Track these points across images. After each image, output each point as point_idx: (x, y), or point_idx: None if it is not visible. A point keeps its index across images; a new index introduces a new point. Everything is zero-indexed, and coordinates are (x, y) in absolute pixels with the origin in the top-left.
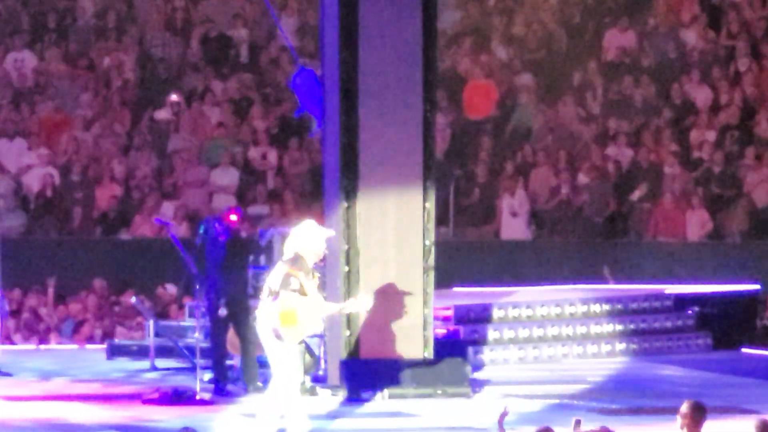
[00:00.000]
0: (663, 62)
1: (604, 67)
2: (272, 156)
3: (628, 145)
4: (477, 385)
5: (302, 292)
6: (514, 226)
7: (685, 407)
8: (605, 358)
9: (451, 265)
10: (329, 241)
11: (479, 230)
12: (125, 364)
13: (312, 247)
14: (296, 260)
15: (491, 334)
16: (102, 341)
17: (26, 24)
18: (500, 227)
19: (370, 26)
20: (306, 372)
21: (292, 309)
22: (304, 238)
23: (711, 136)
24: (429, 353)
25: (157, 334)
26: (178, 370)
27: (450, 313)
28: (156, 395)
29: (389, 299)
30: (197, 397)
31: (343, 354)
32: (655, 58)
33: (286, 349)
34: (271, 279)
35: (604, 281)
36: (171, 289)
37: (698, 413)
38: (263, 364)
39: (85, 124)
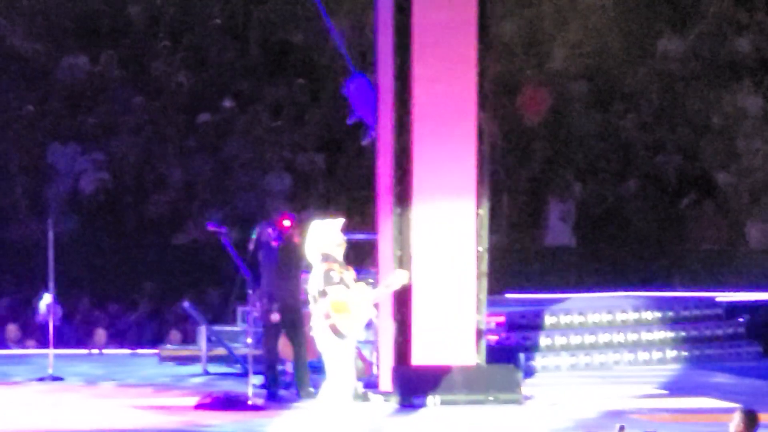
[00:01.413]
0: (714, 69)
1: (656, 73)
2: (325, 161)
3: (679, 152)
4: (528, 392)
5: (345, 284)
6: (564, 233)
7: (737, 415)
8: (656, 365)
9: (504, 271)
10: (382, 247)
11: (531, 237)
12: (176, 369)
13: (332, 241)
14: (327, 258)
15: (543, 340)
16: (153, 346)
17: (80, 28)
18: (550, 234)
19: (425, 33)
20: (357, 378)
21: (343, 300)
22: (321, 236)
23: (762, 143)
24: (481, 360)
25: (208, 339)
26: (229, 375)
27: (502, 319)
28: (208, 400)
29: (441, 305)
30: (249, 403)
31: (395, 360)
32: (707, 65)
33: (343, 349)
34: (311, 284)
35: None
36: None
37: (751, 421)
38: (315, 369)
39: (138, 129)
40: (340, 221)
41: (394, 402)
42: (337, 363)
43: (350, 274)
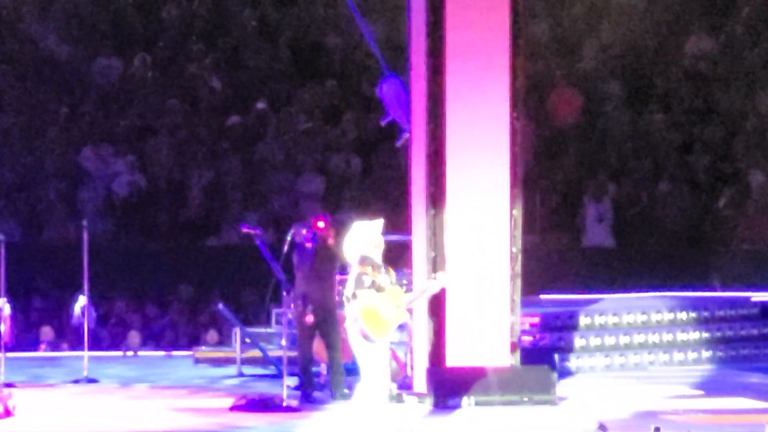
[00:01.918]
0: (748, 69)
1: (689, 74)
2: (358, 163)
3: (713, 152)
4: (563, 393)
5: (378, 288)
6: (598, 233)
7: None
8: (691, 365)
9: (538, 272)
10: (415, 248)
11: (564, 237)
12: (211, 370)
13: (370, 242)
14: (363, 260)
15: (577, 341)
16: (188, 348)
17: (113, 31)
18: (585, 234)
19: (458, 34)
20: (392, 379)
21: (372, 305)
22: (359, 238)
23: None
24: (515, 361)
25: (243, 341)
26: (263, 377)
27: (536, 320)
28: (243, 402)
29: (475, 306)
30: (284, 404)
31: (429, 361)
32: (741, 65)
33: (376, 351)
34: (347, 286)
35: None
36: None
37: None
38: (350, 371)
39: (172, 131)
40: (380, 223)
41: (428, 403)
42: (370, 365)
43: (387, 276)
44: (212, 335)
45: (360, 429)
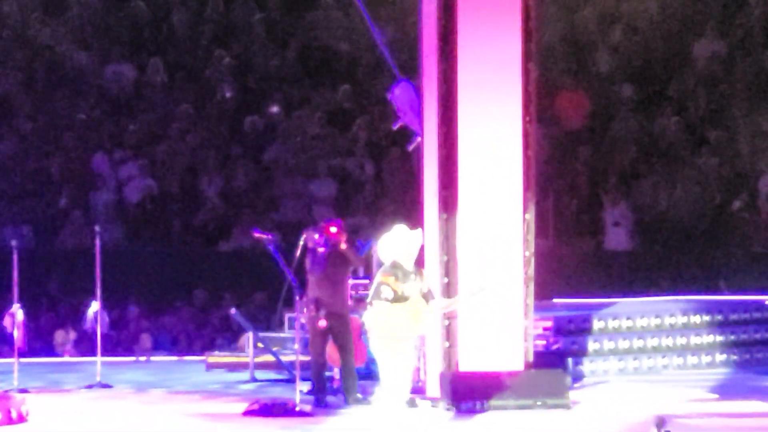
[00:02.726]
0: (760, 71)
1: (702, 76)
2: (370, 167)
3: (727, 154)
4: (577, 396)
5: (400, 298)
6: (615, 237)
7: None
8: (705, 369)
9: (551, 276)
10: (428, 252)
11: (579, 241)
12: (224, 375)
13: (404, 250)
14: (391, 267)
15: (591, 345)
16: (200, 353)
17: (125, 36)
18: (602, 238)
19: (469, 38)
20: None
21: (383, 317)
22: (395, 243)
23: None
24: (529, 365)
25: (255, 346)
26: (277, 381)
27: (550, 324)
28: (256, 407)
29: (488, 310)
30: (297, 409)
31: (442, 366)
32: (752, 67)
33: (395, 356)
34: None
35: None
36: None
37: None
38: (362, 375)
39: (184, 136)
40: (419, 233)
41: (441, 408)
42: (387, 370)
43: (417, 283)
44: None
45: None
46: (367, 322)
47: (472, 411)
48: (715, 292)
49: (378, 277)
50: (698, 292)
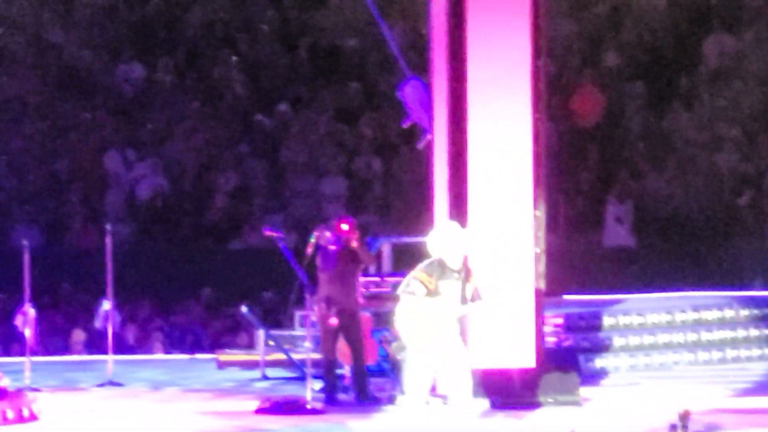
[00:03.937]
0: None
1: (711, 73)
2: (380, 165)
3: (735, 150)
4: (587, 393)
5: (433, 293)
6: (621, 234)
7: None
8: (716, 365)
9: (562, 272)
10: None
11: (587, 238)
12: (236, 374)
13: (450, 249)
14: (431, 264)
15: (602, 341)
16: (212, 351)
17: (135, 36)
18: (607, 234)
19: (479, 35)
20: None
21: (408, 311)
22: (442, 240)
23: None
24: (540, 362)
25: (266, 344)
26: (288, 379)
27: (560, 321)
28: (268, 405)
29: (499, 307)
30: (309, 407)
31: None
32: (763, 63)
33: (416, 354)
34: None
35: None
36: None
37: None
38: (374, 373)
39: (195, 134)
40: (467, 231)
41: (452, 405)
42: (410, 367)
43: (457, 282)
44: (242, 337)
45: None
46: (396, 314)
47: (482, 408)
48: (722, 288)
49: (415, 270)
50: (707, 288)
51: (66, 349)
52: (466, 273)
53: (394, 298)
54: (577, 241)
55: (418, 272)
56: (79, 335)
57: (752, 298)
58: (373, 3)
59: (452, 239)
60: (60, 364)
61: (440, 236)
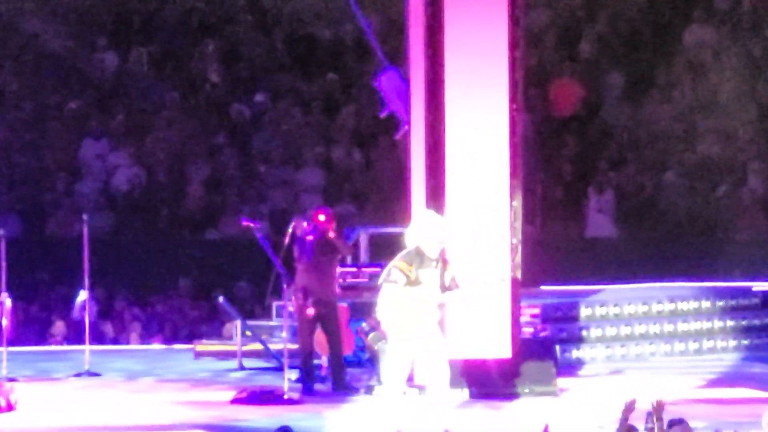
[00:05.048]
0: (749, 59)
1: (690, 64)
2: (358, 155)
3: (713, 142)
4: (564, 384)
5: (413, 282)
6: (600, 224)
7: None
8: (692, 356)
9: (540, 263)
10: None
11: (566, 228)
12: (212, 364)
13: (429, 238)
14: (410, 253)
15: (579, 332)
16: (188, 341)
17: (112, 25)
18: (587, 225)
19: (456, 25)
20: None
21: (390, 299)
22: (420, 229)
23: None
24: (516, 352)
25: (243, 335)
26: (265, 369)
27: (537, 311)
28: (244, 395)
29: (476, 298)
30: (285, 397)
31: None
32: (741, 54)
33: (396, 343)
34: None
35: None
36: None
37: None
38: (350, 363)
39: (171, 124)
40: (446, 221)
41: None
42: (390, 357)
43: (436, 271)
44: (228, 328)
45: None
46: (378, 304)
47: (458, 398)
48: (700, 279)
49: (394, 260)
50: (685, 279)
51: (43, 339)
52: (443, 262)
53: (376, 288)
54: (557, 232)
55: (397, 261)
56: (59, 327)
57: (728, 289)
58: None
59: (430, 228)
60: (37, 354)
61: (418, 225)
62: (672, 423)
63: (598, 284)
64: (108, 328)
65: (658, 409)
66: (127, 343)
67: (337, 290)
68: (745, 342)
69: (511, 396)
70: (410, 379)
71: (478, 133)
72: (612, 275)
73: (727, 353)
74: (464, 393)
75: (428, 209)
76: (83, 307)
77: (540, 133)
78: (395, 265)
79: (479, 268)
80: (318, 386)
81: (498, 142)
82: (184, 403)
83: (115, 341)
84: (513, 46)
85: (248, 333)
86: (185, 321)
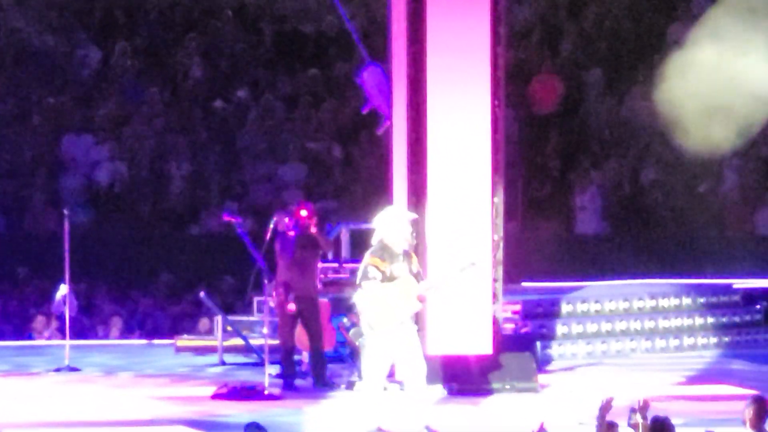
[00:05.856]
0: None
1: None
2: (339, 151)
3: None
4: (545, 380)
5: (388, 278)
6: (583, 221)
7: (748, 402)
8: (673, 352)
9: (521, 259)
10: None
11: (548, 225)
12: (192, 359)
13: (395, 233)
14: (378, 248)
15: (559, 328)
16: (169, 336)
17: (94, 19)
18: (571, 222)
19: (439, 21)
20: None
21: (374, 295)
22: (386, 225)
23: None
24: (497, 348)
25: (224, 330)
26: (245, 365)
27: (518, 308)
28: (225, 391)
29: (457, 294)
30: (266, 393)
31: None
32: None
33: (376, 340)
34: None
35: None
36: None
37: (762, 409)
38: (332, 359)
39: (153, 119)
40: (412, 216)
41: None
42: (371, 353)
43: (406, 264)
44: (204, 323)
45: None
46: (359, 303)
47: (439, 395)
48: (684, 276)
49: (365, 258)
50: (667, 276)
51: (22, 334)
52: (407, 255)
53: (355, 286)
54: (541, 229)
55: (369, 258)
56: (41, 322)
57: (709, 286)
58: None
59: (395, 223)
60: (14, 348)
61: (383, 221)
62: (655, 420)
63: (580, 281)
64: (88, 323)
65: (644, 408)
66: (108, 337)
67: (319, 286)
68: (726, 339)
69: (492, 392)
70: (391, 375)
71: (460, 129)
72: (595, 272)
73: (707, 350)
74: (444, 389)
75: (405, 206)
76: (63, 302)
77: (522, 130)
78: (369, 263)
79: (460, 265)
80: (299, 382)
81: (480, 138)
82: (165, 399)
83: (95, 336)
84: (495, 42)
85: (229, 328)
86: (166, 316)
